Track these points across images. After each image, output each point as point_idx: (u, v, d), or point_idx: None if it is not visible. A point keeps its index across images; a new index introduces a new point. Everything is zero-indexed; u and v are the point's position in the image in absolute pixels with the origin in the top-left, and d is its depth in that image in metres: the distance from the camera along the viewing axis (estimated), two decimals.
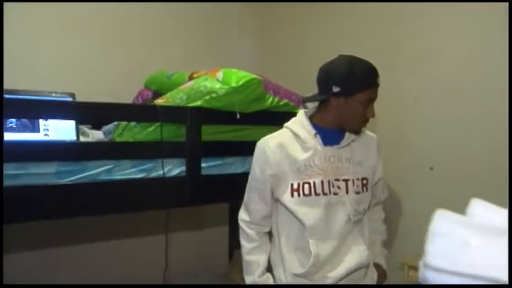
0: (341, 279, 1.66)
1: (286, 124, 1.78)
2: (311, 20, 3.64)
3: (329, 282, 1.65)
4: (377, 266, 1.85)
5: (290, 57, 3.71)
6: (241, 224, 1.80)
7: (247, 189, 1.79)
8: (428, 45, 2.95)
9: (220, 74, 2.10)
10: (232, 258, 3.28)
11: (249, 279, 1.75)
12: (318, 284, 1.65)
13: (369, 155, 1.79)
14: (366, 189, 1.75)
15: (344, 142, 1.72)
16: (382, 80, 3.08)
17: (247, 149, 2.26)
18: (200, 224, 3.42)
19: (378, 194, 1.90)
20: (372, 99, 1.64)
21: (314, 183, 1.65)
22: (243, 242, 1.79)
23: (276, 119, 2.32)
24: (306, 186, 1.65)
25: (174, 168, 2.03)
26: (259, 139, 2.32)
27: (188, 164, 2.04)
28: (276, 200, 1.73)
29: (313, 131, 1.68)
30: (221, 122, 2.16)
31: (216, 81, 2.07)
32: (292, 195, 1.66)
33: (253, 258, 1.75)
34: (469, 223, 0.54)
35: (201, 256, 3.34)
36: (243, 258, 1.78)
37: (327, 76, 1.63)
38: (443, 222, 0.56)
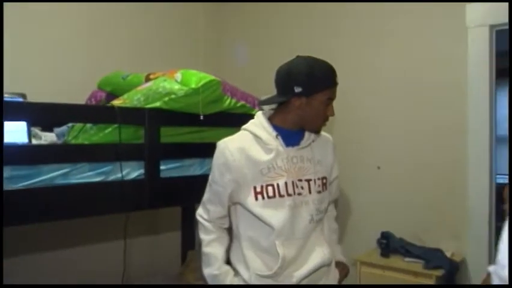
0: (305, 278, 1.68)
1: (245, 126, 1.76)
2: (265, 22, 3.67)
3: (293, 281, 1.66)
4: (338, 263, 1.89)
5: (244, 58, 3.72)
6: (199, 219, 1.79)
7: (207, 188, 1.77)
8: (377, 47, 3.07)
9: (178, 75, 2.09)
10: (185, 260, 3.26)
11: (207, 272, 1.74)
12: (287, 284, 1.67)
13: (326, 155, 1.84)
14: (326, 188, 1.79)
15: (304, 142, 1.74)
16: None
17: (205, 150, 2.26)
18: (154, 227, 3.38)
19: (333, 192, 1.93)
20: (332, 98, 1.68)
21: (278, 185, 1.65)
22: (202, 235, 1.77)
23: (233, 120, 2.33)
24: (270, 188, 1.65)
25: (133, 171, 2.00)
26: (217, 141, 2.32)
27: (147, 167, 2.02)
28: (235, 204, 1.72)
29: (275, 133, 1.69)
30: (180, 124, 2.15)
31: (174, 82, 2.05)
32: (256, 199, 1.65)
33: (212, 250, 1.73)
34: None
35: (155, 258, 3.30)
36: (202, 251, 1.76)
37: (288, 77, 1.64)
38: None
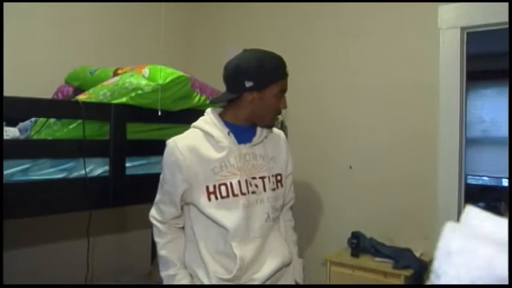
0: (267, 279, 1.65)
1: (195, 124, 1.70)
2: (233, 20, 3.64)
3: (256, 283, 1.63)
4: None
5: (214, 56, 3.69)
6: (153, 221, 1.72)
7: (159, 188, 1.71)
8: (351, 47, 3.07)
9: (146, 71, 2.04)
10: (154, 259, 3.21)
11: (163, 274, 1.69)
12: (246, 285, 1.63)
13: (280, 151, 1.81)
14: (281, 185, 1.76)
15: (256, 139, 1.70)
16: (304, 83, 3.19)
17: None
18: (122, 225, 3.32)
19: (287, 190, 1.88)
20: (284, 90, 1.66)
21: (231, 183, 1.61)
22: (157, 238, 1.71)
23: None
24: (223, 187, 1.61)
25: (97, 168, 1.94)
26: None
27: (112, 164, 1.96)
28: (188, 204, 1.67)
29: (227, 130, 1.64)
30: (147, 120, 2.11)
31: (141, 78, 2.01)
32: (209, 199, 1.60)
33: (167, 253, 1.68)
34: (488, 237, 0.47)
35: (123, 258, 3.24)
36: (158, 254, 1.71)
37: (238, 72, 1.60)
38: (457, 237, 0.48)
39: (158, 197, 1.71)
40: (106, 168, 1.96)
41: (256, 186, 1.66)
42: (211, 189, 1.61)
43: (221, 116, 1.69)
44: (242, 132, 1.68)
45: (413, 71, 2.79)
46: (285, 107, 1.69)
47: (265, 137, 1.74)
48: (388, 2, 2.86)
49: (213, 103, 1.82)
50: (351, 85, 3.07)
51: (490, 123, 5.41)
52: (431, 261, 2.69)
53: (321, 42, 3.17)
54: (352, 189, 3.09)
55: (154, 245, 3.21)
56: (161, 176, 1.69)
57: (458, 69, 2.62)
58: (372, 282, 2.54)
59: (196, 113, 2.25)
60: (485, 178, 5.55)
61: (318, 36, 3.19)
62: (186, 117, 2.19)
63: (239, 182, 1.62)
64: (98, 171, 1.94)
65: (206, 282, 1.63)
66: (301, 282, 1.83)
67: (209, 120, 1.68)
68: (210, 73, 3.23)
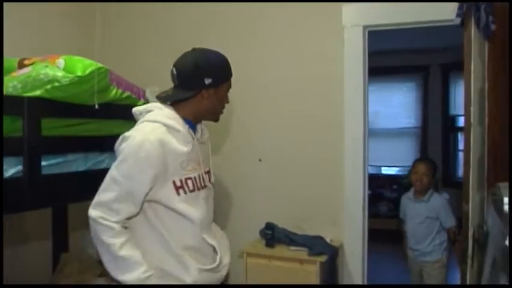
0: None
1: (155, 118, 1.64)
2: (149, 16, 3.49)
3: (226, 270, 1.76)
4: None
5: (129, 49, 3.52)
6: (102, 221, 1.54)
7: (111, 186, 1.57)
8: (260, 43, 3.12)
9: (60, 62, 1.89)
10: (57, 266, 2.98)
11: (132, 276, 1.54)
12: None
13: (207, 147, 1.90)
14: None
15: (201, 136, 1.80)
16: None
17: (89, 144, 2.11)
18: (19, 233, 3.02)
19: None
20: (231, 86, 1.81)
21: (195, 178, 1.66)
22: (110, 239, 1.54)
23: (118, 112, 2.21)
24: (190, 182, 1.63)
25: (9, 168, 1.74)
26: (102, 134, 2.16)
27: (26, 163, 1.77)
28: (151, 202, 1.61)
29: (187, 126, 1.68)
30: (63, 115, 1.95)
31: (57, 69, 1.85)
32: (178, 194, 1.60)
33: (130, 253, 1.55)
34: None
35: (21, 266, 2.95)
36: (114, 256, 1.54)
37: (197, 69, 1.65)
38: None
39: (110, 195, 1.56)
40: (20, 168, 1.77)
41: (207, 180, 1.76)
42: (178, 183, 1.60)
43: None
44: (193, 129, 1.74)
45: (320, 66, 2.92)
46: (228, 102, 1.80)
47: (203, 133, 1.83)
48: (297, 1, 2.95)
49: (163, 100, 1.73)
50: (260, 80, 3.12)
51: (372, 116, 5.88)
52: (341, 246, 2.86)
53: (233, 40, 3.17)
54: (262, 181, 3.16)
55: (56, 250, 3.04)
56: (116, 173, 1.57)
57: (361, 66, 2.81)
58: (289, 271, 2.63)
59: (113, 107, 2.16)
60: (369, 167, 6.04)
61: (229, 34, 3.19)
62: (103, 111, 2.08)
63: (199, 176, 1.68)
64: (10, 172, 1.74)
65: (188, 280, 1.60)
66: None
67: (171, 116, 1.66)
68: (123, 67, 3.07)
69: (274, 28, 3.06)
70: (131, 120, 2.22)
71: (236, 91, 3.17)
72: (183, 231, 1.63)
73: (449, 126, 6.07)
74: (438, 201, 3.04)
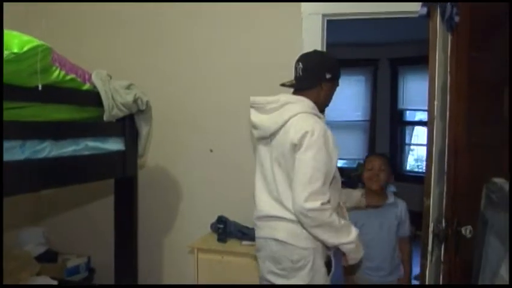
0: None
1: (308, 110, 1.94)
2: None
3: None
4: None
5: (73, 30, 3.29)
6: (323, 207, 1.81)
7: (316, 175, 1.82)
8: (213, 31, 2.98)
9: None
10: None
11: (353, 235, 1.93)
12: None
13: None
14: None
15: None
16: (163, 70, 3.03)
17: (27, 131, 1.89)
18: None
19: None
20: (338, 85, 2.12)
21: None
22: (331, 217, 1.85)
23: (61, 96, 2.03)
24: None
25: None
26: (42, 119, 1.95)
27: None
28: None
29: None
30: None
31: None
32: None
33: (342, 220, 1.91)
34: None
35: None
36: (338, 228, 1.88)
37: (321, 65, 2.02)
38: None
39: (318, 183, 1.82)
40: None
41: None
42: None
43: None
44: None
45: (277, 55, 2.82)
46: None
47: None
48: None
49: (289, 87, 2.10)
50: (213, 70, 3.00)
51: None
52: None
53: (188, 27, 3.02)
54: (214, 172, 3.04)
55: None
56: (317, 163, 1.83)
57: None
58: (243, 267, 2.52)
59: (54, 90, 1.96)
60: None
61: (184, 21, 3.04)
62: (46, 95, 1.88)
63: None
64: None
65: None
66: None
67: (313, 107, 1.98)
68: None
69: (231, 15, 2.94)
70: (75, 105, 2.03)
71: (187, 79, 3.06)
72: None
73: (397, 120, 6.17)
74: (402, 205, 2.70)
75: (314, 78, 1.99)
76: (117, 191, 2.57)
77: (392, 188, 3.25)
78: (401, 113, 6.18)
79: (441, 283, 1.96)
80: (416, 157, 6.38)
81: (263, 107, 2.04)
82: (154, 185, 3.11)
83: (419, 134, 6.17)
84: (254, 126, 2.09)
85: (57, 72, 1.93)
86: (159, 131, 2.90)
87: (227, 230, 2.70)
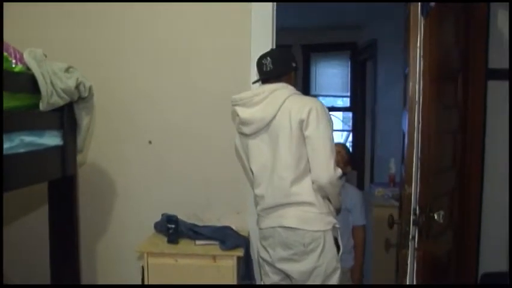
0: None
1: (296, 92, 2.14)
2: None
3: None
4: None
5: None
6: (339, 173, 2.06)
7: (331, 146, 2.02)
8: (154, 18, 2.73)
9: None
10: None
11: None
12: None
13: None
14: None
15: None
16: (106, 58, 2.66)
17: None
18: None
19: None
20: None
21: None
22: (340, 181, 2.15)
23: None
24: None
25: None
26: None
27: None
28: None
29: None
30: None
31: None
32: None
33: None
34: None
35: None
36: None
37: (287, 56, 2.23)
38: None
39: (334, 154, 2.04)
40: None
41: None
42: None
43: None
44: None
45: (226, 41, 2.65)
46: None
47: None
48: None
49: (264, 80, 2.17)
50: (152, 56, 2.73)
51: None
52: (248, 236, 2.62)
53: (133, 12, 2.71)
54: (153, 166, 2.78)
55: None
56: (329, 134, 2.03)
57: (269, 41, 2.60)
58: (201, 268, 2.32)
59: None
60: None
61: (130, 7, 2.72)
62: None
63: None
64: None
65: None
66: None
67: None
68: None
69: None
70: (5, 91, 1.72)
71: (124, 66, 2.74)
72: None
73: None
74: (354, 192, 2.83)
75: (285, 67, 2.17)
76: (52, 194, 2.20)
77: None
78: None
79: (415, 271, 1.94)
80: None
81: (250, 100, 2.08)
82: (90, 183, 2.76)
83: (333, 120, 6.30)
84: (244, 123, 2.11)
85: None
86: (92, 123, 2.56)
87: (178, 230, 2.46)
